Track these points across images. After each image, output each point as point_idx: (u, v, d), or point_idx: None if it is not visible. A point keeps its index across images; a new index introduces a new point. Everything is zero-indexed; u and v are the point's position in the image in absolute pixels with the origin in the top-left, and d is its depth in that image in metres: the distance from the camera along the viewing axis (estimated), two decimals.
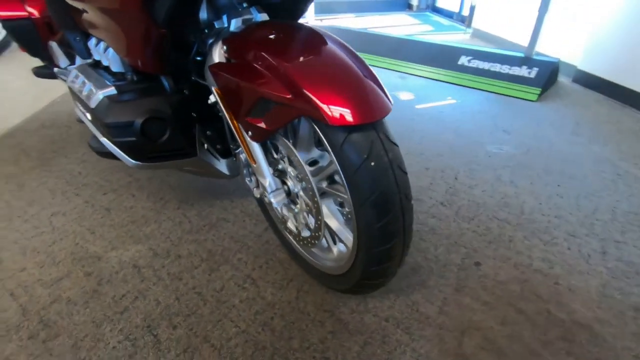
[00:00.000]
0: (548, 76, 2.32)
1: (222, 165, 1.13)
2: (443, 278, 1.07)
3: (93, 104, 0.89)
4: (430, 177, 1.52)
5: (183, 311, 0.98)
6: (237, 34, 0.78)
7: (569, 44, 2.60)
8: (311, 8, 3.70)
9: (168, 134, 0.92)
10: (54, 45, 1.41)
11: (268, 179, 0.85)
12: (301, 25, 0.79)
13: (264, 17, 0.86)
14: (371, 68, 0.72)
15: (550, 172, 1.54)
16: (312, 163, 0.83)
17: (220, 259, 1.14)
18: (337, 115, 0.60)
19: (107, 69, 1.03)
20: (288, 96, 0.63)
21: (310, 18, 3.73)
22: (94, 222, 1.31)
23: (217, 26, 0.86)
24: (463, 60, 2.62)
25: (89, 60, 1.13)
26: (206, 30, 0.88)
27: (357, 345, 0.89)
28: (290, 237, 1.03)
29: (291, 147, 0.77)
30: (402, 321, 0.94)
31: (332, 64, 0.66)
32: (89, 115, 0.94)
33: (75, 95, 1.03)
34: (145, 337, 0.91)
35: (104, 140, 0.92)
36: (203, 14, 0.88)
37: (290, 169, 0.86)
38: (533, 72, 2.35)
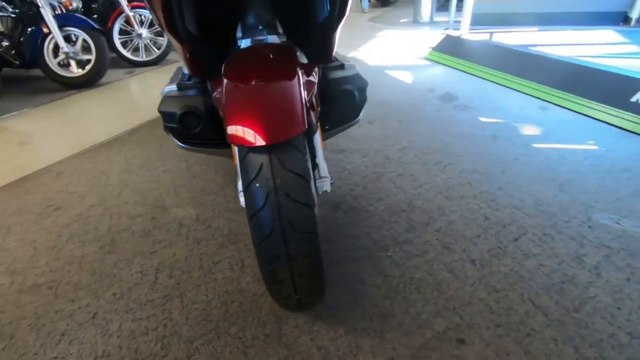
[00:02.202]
0: None
1: None
2: (408, 338, 0.94)
3: (162, 95, 1.20)
4: (483, 229, 1.29)
5: (183, 268, 1.21)
6: (237, 52, 0.91)
7: None
8: (467, 19, 3.41)
9: (201, 127, 1.14)
10: None
11: (239, 181, 0.95)
12: (275, 47, 0.85)
13: (273, 39, 0.95)
14: (301, 94, 0.72)
15: None
16: None
17: (234, 239, 1.32)
18: (233, 134, 0.66)
19: None
20: (220, 111, 0.72)
21: (464, 31, 3.45)
22: (180, 183, 1.71)
23: (239, 43, 1.01)
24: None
25: None
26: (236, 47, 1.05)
27: (276, 357, 0.91)
28: None
29: None
30: (331, 357, 0.90)
31: (258, 86, 0.70)
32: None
33: None
34: (149, 275, 1.19)
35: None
36: (238, 33, 1.05)
37: None
38: None
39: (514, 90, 2.56)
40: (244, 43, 0.96)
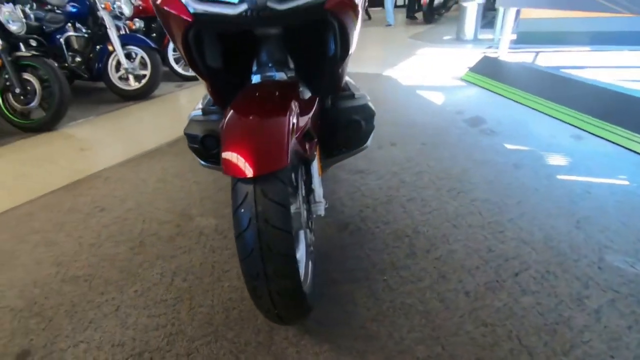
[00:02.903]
0: None
1: None
2: None
3: (188, 118, 1.36)
4: (484, 261, 1.29)
5: (196, 273, 1.34)
6: (245, 88, 1.03)
7: None
8: (506, 39, 3.33)
9: (219, 149, 1.28)
10: None
11: None
12: (278, 85, 0.95)
13: (280, 76, 1.06)
14: (288, 132, 0.80)
15: None
16: None
17: None
18: (226, 165, 0.76)
19: None
20: (221, 140, 0.84)
21: (502, 51, 3.37)
22: (206, 194, 1.87)
23: (252, 78, 1.13)
24: None
25: None
26: None
27: None
28: None
29: None
30: None
31: (252, 122, 0.80)
32: None
33: None
34: (167, 277, 1.33)
35: None
36: (255, 67, 1.17)
37: None
38: None
39: (548, 116, 2.47)
40: (255, 79, 1.08)
